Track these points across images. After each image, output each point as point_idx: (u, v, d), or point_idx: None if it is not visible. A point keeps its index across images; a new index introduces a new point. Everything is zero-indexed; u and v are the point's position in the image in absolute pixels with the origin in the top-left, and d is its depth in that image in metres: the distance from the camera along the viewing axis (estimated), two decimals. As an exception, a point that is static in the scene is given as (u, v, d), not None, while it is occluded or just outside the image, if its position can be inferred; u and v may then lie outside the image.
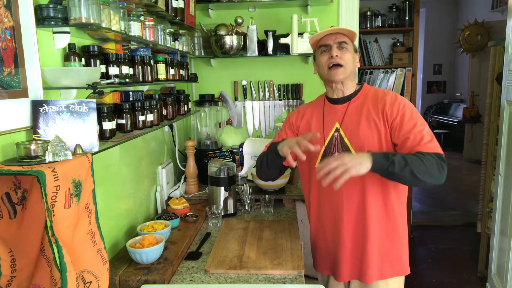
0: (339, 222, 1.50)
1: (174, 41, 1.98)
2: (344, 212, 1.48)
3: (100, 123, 1.26)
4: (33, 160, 0.99)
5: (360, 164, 1.25)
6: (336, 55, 1.45)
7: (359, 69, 3.43)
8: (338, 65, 1.45)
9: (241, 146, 2.62)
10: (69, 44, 1.23)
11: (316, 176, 1.28)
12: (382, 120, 1.43)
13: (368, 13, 3.91)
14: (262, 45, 2.59)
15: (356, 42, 2.72)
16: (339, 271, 1.53)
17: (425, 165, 1.29)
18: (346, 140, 1.47)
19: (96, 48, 1.29)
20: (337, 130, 1.50)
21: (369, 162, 1.26)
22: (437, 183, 1.33)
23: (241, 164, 2.60)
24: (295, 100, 2.80)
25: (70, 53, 1.23)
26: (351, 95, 1.52)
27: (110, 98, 1.47)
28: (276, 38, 2.56)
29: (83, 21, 1.15)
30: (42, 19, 1.12)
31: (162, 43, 1.80)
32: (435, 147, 1.36)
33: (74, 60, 1.23)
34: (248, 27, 2.53)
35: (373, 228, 1.46)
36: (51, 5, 1.12)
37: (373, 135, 1.43)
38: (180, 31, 2.19)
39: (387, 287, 1.51)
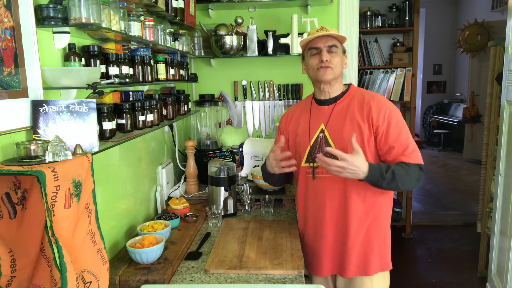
0: (321, 218, 1.57)
1: (174, 41, 1.98)
2: (327, 209, 1.54)
3: (100, 123, 1.26)
4: (33, 160, 0.99)
5: (352, 175, 1.35)
6: (326, 60, 1.48)
7: (359, 69, 3.43)
8: (328, 66, 1.50)
9: (241, 146, 2.62)
10: (69, 44, 1.23)
11: (316, 159, 1.39)
12: (367, 124, 1.47)
13: (368, 13, 3.91)
14: (262, 45, 2.59)
15: (355, 42, 2.73)
16: (320, 265, 1.60)
17: (410, 178, 1.41)
18: (330, 141, 1.52)
19: (96, 48, 1.29)
20: (322, 131, 1.55)
21: (362, 177, 1.36)
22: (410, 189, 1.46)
23: (241, 164, 2.60)
24: (295, 100, 2.80)
25: (70, 53, 1.23)
26: (337, 96, 1.56)
27: (110, 98, 1.47)
28: (276, 38, 2.56)
29: (83, 21, 1.15)
30: (42, 19, 1.12)
31: (162, 43, 1.80)
32: (417, 156, 1.46)
33: (74, 60, 1.22)
34: (248, 27, 2.53)
35: (354, 225, 1.51)
36: (51, 5, 1.12)
37: (356, 137, 1.46)
38: (180, 31, 2.19)
39: (371, 283, 1.56)
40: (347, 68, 1.62)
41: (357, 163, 1.33)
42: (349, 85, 1.60)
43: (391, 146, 1.45)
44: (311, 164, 1.56)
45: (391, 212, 1.60)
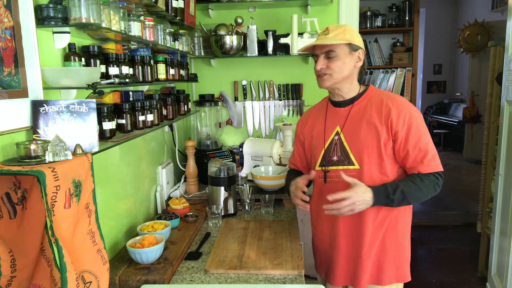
0: (335, 226, 1.51)
1: (174, 41, 1.98)
2: (341, 217, 1.47)
3: (100, 123, 1.26)
4: (33, 160, 0.99)
5: (364, 205, 1.35)
6: (321, 67, 1.44)
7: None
8: (324, 74, 1.45)
9: (241, 146, 2.62)
10: (69, 44, 1.23)
11: (325, 212, 1.38)
12: (385, 127, 1.40)
13: (368, 13, 3.91)
14: (262, 45, 2.59)
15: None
16: (334, 275, 1.54)
17: (423, 192, 1.38)
18: (345, 144, 1.46)
19: (96, 48, 1.29)
20: (337, 133, 1.49)
21: (371, 203, 1.35)
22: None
23: (241, 164, 2.60)
24: (295, 100, 2.80)
25: (70, 53, 1.23)
26: (354, 97, 1.50)
27: (110, 98, 1.47)
28: (276, 38, 2.56)
29: (83, 21, 1.15)
30: (42, 19, 1.12)
31: (162, 43, 1.80)
32: (436, 164, 1.41)
33: (74, 60, 1.23)
34: (248, 27, 2.53)
35: (369, 233, 1.45)
36: (51, 5, 1.12)
37: (373, 140, 1.42)
38: (180, 31, 2.19)
39: None
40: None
41: (361, 194, 1.33)
42: (367, 85, 1.53)
43: (409, 152, 1.39)
44: (323, 168, 1.51)
45: (411, 219, 1.53)
